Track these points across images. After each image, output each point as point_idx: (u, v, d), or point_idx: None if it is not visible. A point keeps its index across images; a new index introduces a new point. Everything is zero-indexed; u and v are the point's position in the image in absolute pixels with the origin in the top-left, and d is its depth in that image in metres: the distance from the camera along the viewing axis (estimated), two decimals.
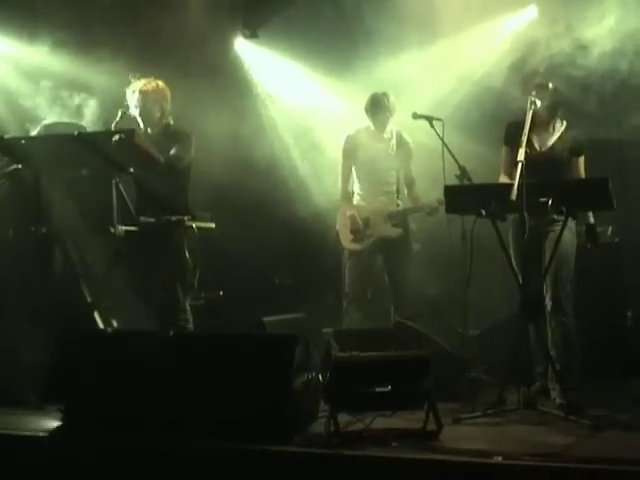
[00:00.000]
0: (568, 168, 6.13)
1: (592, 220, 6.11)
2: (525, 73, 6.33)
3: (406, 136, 7.44)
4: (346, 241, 7.39)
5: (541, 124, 6.15)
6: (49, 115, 7.43)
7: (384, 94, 7.29)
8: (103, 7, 8.07)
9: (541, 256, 5.93)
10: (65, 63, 8.14)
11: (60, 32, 7.96)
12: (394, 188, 7.43)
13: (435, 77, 8.22)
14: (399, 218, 7.36)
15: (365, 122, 7.43)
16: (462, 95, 8.17)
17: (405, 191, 7.48)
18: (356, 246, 7.35)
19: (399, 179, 7.44)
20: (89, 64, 8.02)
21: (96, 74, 7.93)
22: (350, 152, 7.42)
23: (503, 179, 6.15)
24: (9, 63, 8.33)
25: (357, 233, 7.33)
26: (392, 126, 7.40)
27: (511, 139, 6.05)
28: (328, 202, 8.05)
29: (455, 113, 7.68)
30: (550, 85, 6.09)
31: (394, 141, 7.41)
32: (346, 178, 7.46)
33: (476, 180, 6.45)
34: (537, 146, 6.15)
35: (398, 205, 7.39)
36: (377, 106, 7.29)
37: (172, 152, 6.50)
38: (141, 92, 6.64)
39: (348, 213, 7.34)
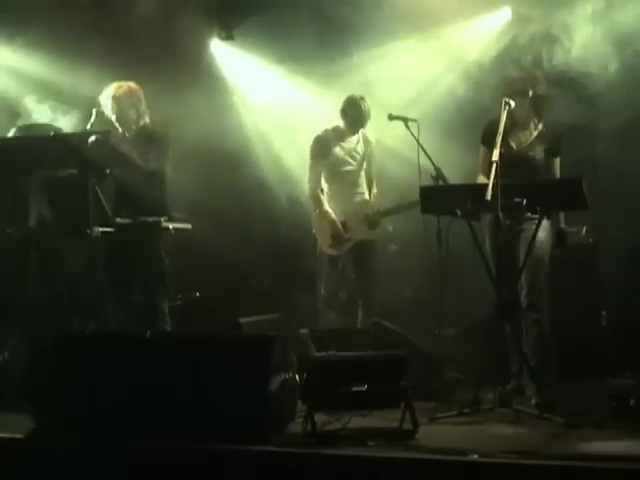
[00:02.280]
0: (545, 168, 6.15)
1: (562, 224, 6.14)
2: (507, 79, 6.30)
3: (370, 136, 7.43)
4: (325, 245, 7.33)
5: (518, 124, 6.17)
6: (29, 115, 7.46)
7: (362, 98, 7.25)
8: (77, 8, 8.05)
9: (516, 255, 5.95)
10: (39, 64, 8.14)
11: (33, 32, 7.94)
12: (365, 189, 7.43)
13: (410, 77, 8.25)
14: (376, 220, 7.36)
15: (335, 122, 7.40)
16: (437, 96, 8.22)
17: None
18: (335, 251, 7.31)
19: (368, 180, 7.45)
20: (63, 66, 8.02)
21: (70, 75, 7.93)
22: (319, 153, 7.35)
23: (481, 179, 6.09)
24: None
25: (338, 238, 7.26)
26: None
27: (489, 138, 5.98)
28: (305, 203, 8.06)
29: (430, 114, 7.69)
30: (530, 92, 6.09)
31: (361, 142, 7.40)
32: (316, 180, 7.38)
33: (451, 181, 6.48)
34: (514, 145, 6.16)
35: (372, 207, 7.38)
36: (355, 109, 7.25)
37: (150, 157, 6.47)
38: (115, 98, 6.62)
39: (328, 218, 7.27)
